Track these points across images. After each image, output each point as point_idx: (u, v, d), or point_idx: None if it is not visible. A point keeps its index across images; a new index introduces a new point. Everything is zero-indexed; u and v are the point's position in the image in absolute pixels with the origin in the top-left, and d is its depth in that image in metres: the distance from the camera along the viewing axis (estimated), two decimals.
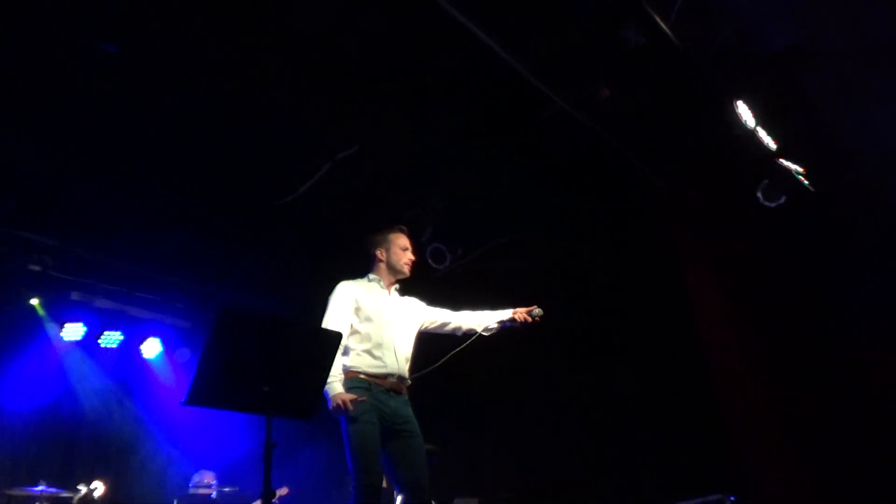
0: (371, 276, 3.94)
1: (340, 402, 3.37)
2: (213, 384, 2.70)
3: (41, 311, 6.37)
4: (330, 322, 3.65)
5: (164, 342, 7.19)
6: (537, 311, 3.92)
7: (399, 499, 3.71)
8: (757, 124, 5.12)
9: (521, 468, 6.84)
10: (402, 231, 4.02)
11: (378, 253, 3.95)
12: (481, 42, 4.63)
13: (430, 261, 6.33)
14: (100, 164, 5.46)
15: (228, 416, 6.68)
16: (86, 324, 6.65)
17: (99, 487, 5.10)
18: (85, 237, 6.33)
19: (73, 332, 6.60)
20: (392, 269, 3.93)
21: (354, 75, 4.98)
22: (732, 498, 4.90)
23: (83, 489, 4.99)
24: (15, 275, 6.15)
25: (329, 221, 6.49)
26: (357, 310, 3.74)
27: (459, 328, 4.00)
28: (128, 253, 6.60)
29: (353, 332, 3.70)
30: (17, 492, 4.89)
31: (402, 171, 5.93)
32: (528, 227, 6.61)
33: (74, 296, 6.62)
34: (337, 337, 3.10)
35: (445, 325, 4.01)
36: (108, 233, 6.28)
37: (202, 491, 5.36)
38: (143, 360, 7.14)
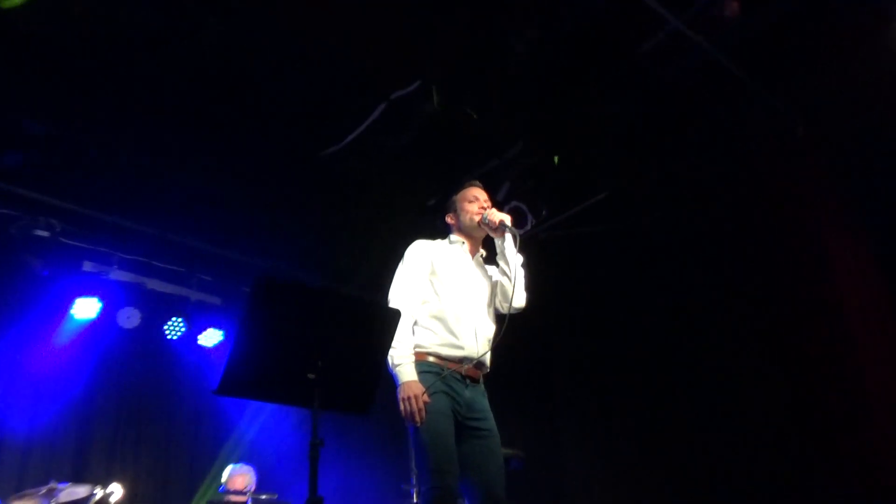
0: (452, 237, 3.99)
1: (412, 399, 3.33)
2: (249, 370, 2.74)
3: None
4: (399, 290, 3.68)
5: (191, 321, 7.24)
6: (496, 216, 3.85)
7: None
8: None
9: (611, 479, 6.84)
10: (471, 184, 4.08)
11: (449, 219, 4.03)
12: None
13: None
14: (116, 112, 5.57)
15: (270, 407, 7.02)
16: (101, 299, 6.66)
17: (116, 491, 5.21)
18: (100, 198, 6.45)
19: (87, 308, 6.65)
20: (466, 229, 3.94)
21: None
22: None
23: (98, 493, 5.11)
24: (20, 242, 6.26)
25: (383, 178, 6.51)
26: (433, 275, 3.75)
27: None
28: (149, 216, 6.70)
29: (427, 302, 3.71)
30: (25, 500, 5.00)
31: (473, 113, 5.85)
32: (632, 181, 6.51)
33: (87, 266, 6.70)
34: (395, 315, 3.10)
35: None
36: (126, 193, 6.40)
37: (235, 498, 5.42)
38: (168, 342, 7.20)
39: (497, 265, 3.96)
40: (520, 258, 3.90)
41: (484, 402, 3.64)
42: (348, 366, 2.93)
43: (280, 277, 3.33)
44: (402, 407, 3.37)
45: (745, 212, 6.43)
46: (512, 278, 3.80)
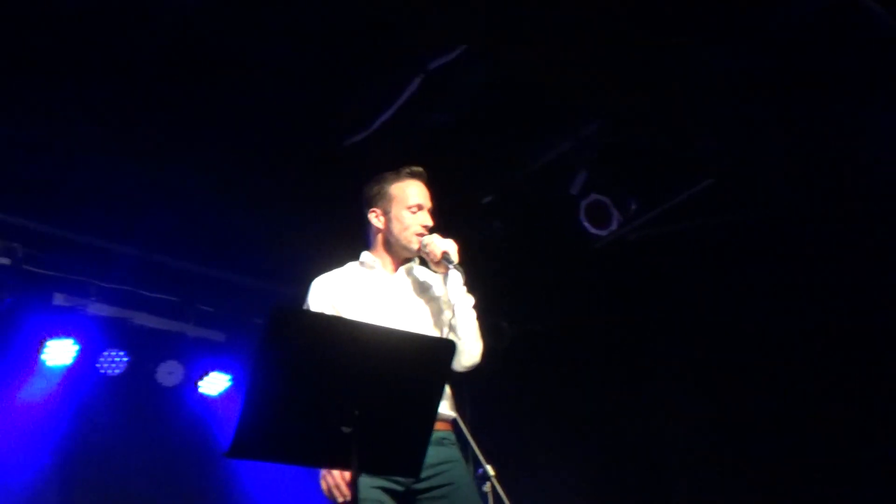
0: (364, 257, 3.79)
1: (330, 480, 3.24)
2: (267, 426, 2.66)
3: None
4: None
5: (189, 364, 7.03)
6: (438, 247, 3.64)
7: None
8: None
9: None
10: (412, 176, 3.78)
11: (373, 216, 3.75)
12: None
13: (585, 224, 6.11)
14: (84, 107, 5.39)
15: (296, 472, 6.51)
16: (77, 340, 6.48)
17: None
18: (71, 214, 6.29)
19: (60, 352, 6.44)
20: (394, 245, 3.73)
21: None
22: None
23: None
24: None
25: (426, 172, 6.10)
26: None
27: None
28: (133, 235, 6.50)
29: None
30: None
31: (537, 81, 5.64)
32: (747, 163, 6.15)
33: (58, 299, 6.46)
34: (449, 348, 3.06)
35: None
36: (103, 207, 6.24)
37: None
38: (161, 390, 6.97)
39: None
40: (470, 300, 3.71)
41: (439, 453, 3.41)
42: (393, 416, 2.83)
43: (302, 308, 3.59)
44: (322, 484, 3.28)
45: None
46: (459, 331, 3.60)
